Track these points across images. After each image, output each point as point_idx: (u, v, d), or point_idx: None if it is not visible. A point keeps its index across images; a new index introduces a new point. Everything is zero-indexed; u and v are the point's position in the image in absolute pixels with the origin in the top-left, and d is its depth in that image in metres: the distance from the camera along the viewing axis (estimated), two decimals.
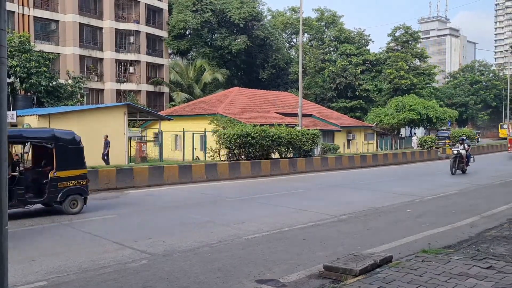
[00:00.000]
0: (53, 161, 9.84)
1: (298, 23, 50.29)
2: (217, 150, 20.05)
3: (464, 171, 20.46)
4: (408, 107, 42.03)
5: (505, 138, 45.22)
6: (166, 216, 10.31)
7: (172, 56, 52.57)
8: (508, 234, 7.90)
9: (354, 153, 29.55)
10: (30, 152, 10.66)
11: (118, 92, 45.38)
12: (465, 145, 20.61)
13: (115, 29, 45.01)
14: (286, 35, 64.10)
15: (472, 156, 21.77)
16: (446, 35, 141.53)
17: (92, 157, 20.10)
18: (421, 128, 52.43)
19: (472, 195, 13.78)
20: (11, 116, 20.67)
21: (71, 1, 41.41)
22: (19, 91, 29.71)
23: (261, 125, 21.30)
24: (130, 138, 25.59)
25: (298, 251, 7.01)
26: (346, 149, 36.38)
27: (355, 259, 5.90)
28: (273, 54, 54.65)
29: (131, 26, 45.84)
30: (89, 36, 43.98)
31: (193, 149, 25.08)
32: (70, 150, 10.10)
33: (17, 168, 9.49)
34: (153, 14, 49.13)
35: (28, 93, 29.75)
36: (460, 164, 20.27)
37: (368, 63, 53.10)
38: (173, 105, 42.53)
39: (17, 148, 11.18)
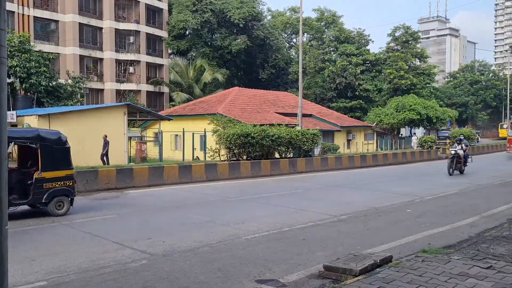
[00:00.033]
0: (38, 161, 9.67)
1: (298, 23, 50.30)
2: (217, 150, 20.05)
3: (462, 172, 20.29)
4: (408, 107, 42.03)
5: (505, 138, 45.18)
6: (166, 216, 10.30)
7: (172, 56, 52.58)
8: (508, 234, 7.90)
9: (354, 153, 29.55)
10: (16, 153, 10.55)
11: (118, 92, 45.38)
12: (463, 145, 20.43)
13: (115, 29, 45.01)
14: (286, 35, 64.12)
15: (470, 156, 21.60)
16: (446, 35, 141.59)
17: (92, 157, 20.17)
18: (421, 128, 52.43)
19: (472, 195, 13.78)
20: (11, 116, 20.68)
21: (71, 1, 41.42)
22: (19, 91, 29.71)
23: (261, 125, 21.29)
24: (130, 138, 25.60)
25: (298, 251, 7.01)
26: (346, 149, 36.39)
27: (355, 259, 5.90)
28: (273, 54, 54.66)
29: (131, 26, 45.84)
30: (89, 36, 43.99)
31: (193, 149, 25.08)
32: (56, 150, 9.87)
33: None
34: (153, 14, 49.14)
35: (28, 93, 29.75)
36: (458, 164, 20.06)
37: (368, 63, 53.12)
38: (173, 105, 42.53)
39: None
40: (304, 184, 16.67)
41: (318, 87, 53.20)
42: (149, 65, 48.35)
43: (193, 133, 25.22)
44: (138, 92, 46.20)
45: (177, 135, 29.32)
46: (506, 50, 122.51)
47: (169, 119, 27.46)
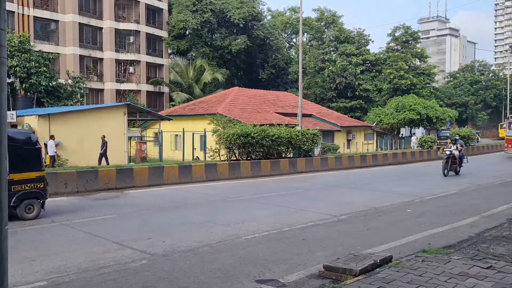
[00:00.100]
0: None
1: (298, 23, 50.30)
2: (217, 150, 20.05)
3: (457, 173, 19.70)
4: (408, 107, 42.03)
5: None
6: (166, 216, 10.30)
7: (172, 56, 52.58)
8: (508, 234, 7.90)
9: (354, 153, 29.55)
10: None
11: (118, 92, 45.38)
12: (458, 145, 19.84)
13: (115, 29, 45.01)
14: (286, 35, 64.12)
15: (465, 157, 21.03)
16: (446, 35, 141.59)
17: (92, 157, 20.19)
18: (420, 128, 52.44)
19: (472, 195, 13.78)
20: (11, 116, 20.67)
21: (71, 1, 41.41)
22: (19, 91, 29.71)
23: (261, 125, 21.30)
24: (130, 138, 25.61)
25: (298, 251, 7.01)
26: (346, 149, 36.40)
27: (355, 259, 5.90)
28: (273, 54, 54.67)
29: (131, 26, 45.84)
30: (89, 36, 43.99)
31: (193, 149, 25.09)
32: (25, 151, 9.44)
33: None
34: (153, 14, 49.14)
35: (28, 93, 29.75)
36: (453, 165, 19.44)
37: (368, 63, 53.13)
38: (173, 105, 42.54)
39: None
40: (304, 184, 16.67)
41: (318, 87, 53.21)
42: (149, 65, 48.36)
43: (193, 133, 25.22)
44: (138, 92, 46.20)
45: (177, 135, 29.34)
46: (506, 50, 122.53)
47: (169, 119, 27.47)
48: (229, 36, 49.85)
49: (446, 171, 19.14)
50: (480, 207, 11.30)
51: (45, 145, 19.43)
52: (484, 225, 9.00)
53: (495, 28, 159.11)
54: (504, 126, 59.23)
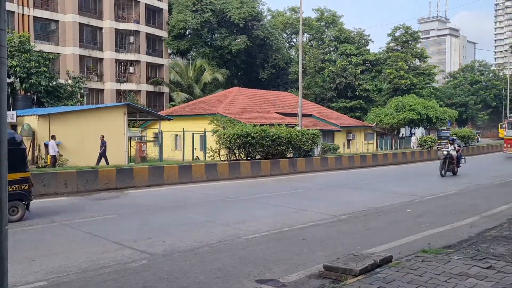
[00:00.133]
0: None
1: (298, 23, 50.31)
2: (217, 150, 20.05)
3: (454, 173, 19.48)
4: (408, 107, 42.04)
5: None
6: (166, 216, 10.30)
7: (172, 56, 52.59)
8: (508, 234, 7.90)
9: (354, 153, 29.55)
10: None
11: (118, 92, 45.39)
12: (455, 145, 19.65)
13: (115, 29, 45.02)
14: (286, 35, 64.13)
15: (463, 157, 20.79)
16: (446, 35, 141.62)
17: (92, 157, 20.19)
18: (420, 128, 52.44)
19: (472, 195, 13.78)
20: (11, 116, 20.68)
21: (71, 1, 41.43)
22: (19, 91, 29.72)
23: (261, 125, 21.29)
24: (130, 138, 25.61)
25: (298, 251, 7.01)
26: (346, 149, 36.40)
27: (355, 259, 5.90)
28: (273, 54, 54.67)
29: (131, 26, 45.85)
30: (89, 36, 44.00)
31: (193, 149, 25.09)
32: (9, 151, 9.45)
33: None
34: (153, 14, 49.14)
35: (28, 93, 29.76)
36: (451, 165, 19.23)
37: (368, 63, 53.14)
38: (173, 105, 42.54)
39: None
40: (304, 184, 16.67)
41: (318, 87, 53.22)
42: (149, 65, 48.36)
43: (193, 133, 25.22)
44: (138, 92, 46.21)
45: (177, 135, 29.34)
46: (506, 50, 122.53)
47: (169, 119, 27.46)
48: (229, 36, 49.86)
49: (443, 172, 18.98)
50: (480, 207, 11.30)
51: (46, 145, 19.47)
52: (484, 225, 9.00)
53: (495, 28, 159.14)
54: (503, 126, 59.36)
